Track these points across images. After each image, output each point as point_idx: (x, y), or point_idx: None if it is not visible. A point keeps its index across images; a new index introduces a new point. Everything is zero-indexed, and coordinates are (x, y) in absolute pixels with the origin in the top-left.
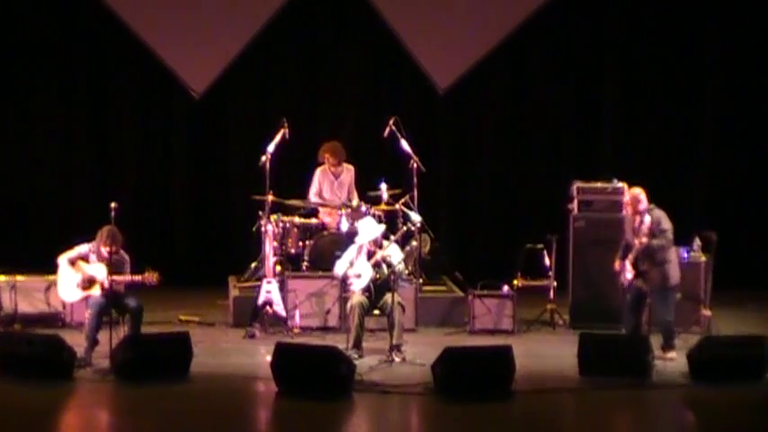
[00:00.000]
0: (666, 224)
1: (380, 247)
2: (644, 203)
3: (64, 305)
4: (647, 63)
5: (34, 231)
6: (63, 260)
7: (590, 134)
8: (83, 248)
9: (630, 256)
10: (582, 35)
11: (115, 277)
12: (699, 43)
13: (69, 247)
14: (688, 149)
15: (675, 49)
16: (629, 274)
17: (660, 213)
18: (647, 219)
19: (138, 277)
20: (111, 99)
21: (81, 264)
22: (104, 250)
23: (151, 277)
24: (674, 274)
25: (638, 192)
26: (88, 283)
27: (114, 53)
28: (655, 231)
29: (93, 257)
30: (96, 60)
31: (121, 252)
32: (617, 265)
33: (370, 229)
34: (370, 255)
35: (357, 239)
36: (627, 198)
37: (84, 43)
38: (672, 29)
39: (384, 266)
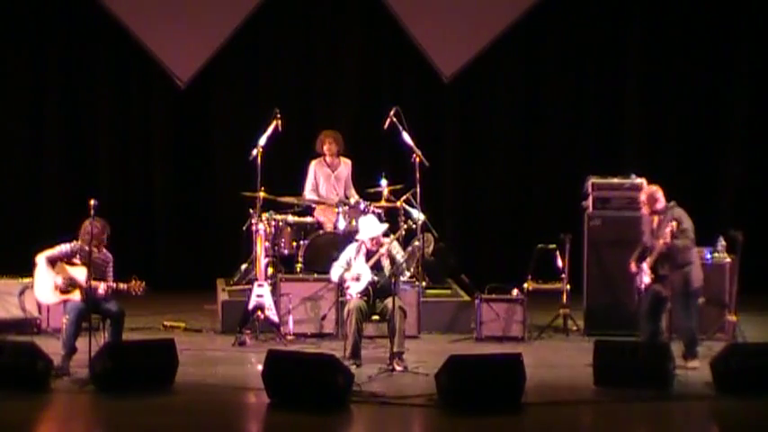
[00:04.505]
0: (687, 223)
1: (381, 247)
2: (661, 202)
3: (40, 310)
4: (673, 49)
5: (3, 230)
6: (42, 259)
7: (610, 126)
8: (64, 248)
9: (650, 259)
10: (602, 18)
11: (98, 283)
12: (729, 32)
13: (46, 246)
14: (716, 143)
15: (704, 35)
16: (646, 277)
17: (681, 212)
18: (674, 222)
19: (123, 285)
20: (87, 87)
21: (63, 266)
22: (89, 240)
23: (137, 287)
24: (697, 276)
25: (655, 189)
26: (69, 286)
27: (89, 36)
28: (675, 232)
29: (75, 258)
30: (70, 44)
31: (104, 251)
32: (632, 266)
33: (371, 226)
34: (369, 255)
35: (357, 236)
36: (642, 197)
37: (57, 25)
38: (700, 14)
39: (386, 266)
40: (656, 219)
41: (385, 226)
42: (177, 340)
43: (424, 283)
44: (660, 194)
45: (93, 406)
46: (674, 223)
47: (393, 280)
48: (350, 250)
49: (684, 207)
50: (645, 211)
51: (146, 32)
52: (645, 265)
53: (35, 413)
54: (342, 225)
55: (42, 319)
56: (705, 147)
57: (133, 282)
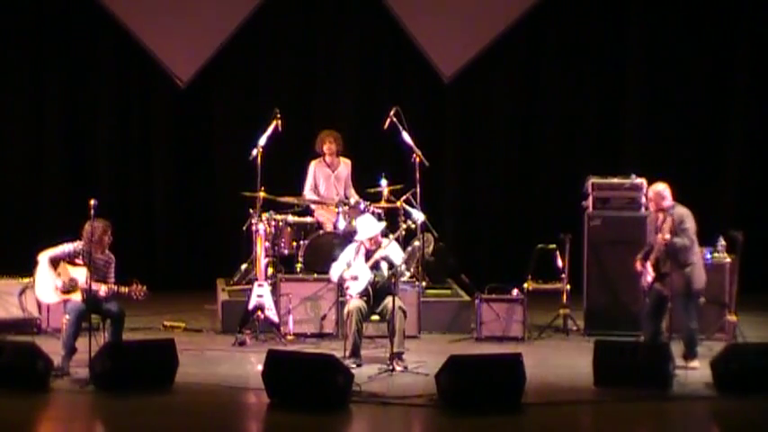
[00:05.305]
0: (689, 223)
1: (379, 246)
2: (668, 200)
3: (40, 310)
4: (673, 49)
5: (3, 230)
6: (44, 258)
7: (610, 126)
8: (67, 248)
9: (652, 256)
10: (602, 18)
11: (99, 285)
12: (729, 32)
13: (47, 246)
14: (716, 143)
15: (704, 35)
16: (649, 276)
17: (684, 211)
18: (670, 216)
19: (124, 289)
20: (86, 87)
21: (66, 265)
22: (96, 250)
23: (138, 291)
24: (699, 277)
25: (663, 187)
26: (70, 286)
27: (89, 36)
28: (677, 230)
29: (78, 259)
30: (70, 44)
31: (107, 252)
32: (638, 265)
33: (368, 226)
34: (369, 255)
35: (356, 237)
36: (650, 194)
37: (57, 24)
38: (700, 14)
39: (384, 268)
40: (661, 216)
41: (383, 225)
42: (177, 340)
43: (424, 283)
44: (667, 192)
45: (93, 406)
46: (670, 219)
47: (393, 280)
48: (349, 251)
49: (685, 206)
50: (651, 208)
51: (146, 32)
52: (648, 264)
53: (35, 413)
54: (342, 225)
55: (42, 319)
56: (705, 147)
57: (134, 285)
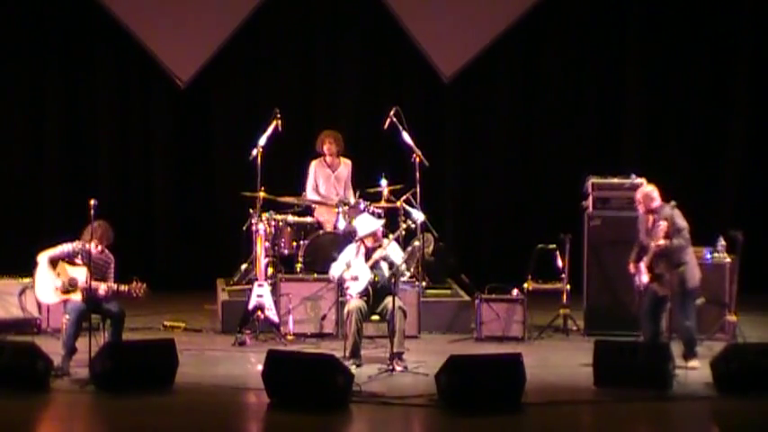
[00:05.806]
0: (682, 223)
1: (380, 244)
2: (657, 201)
3: (40, 310)
4: (673, 49)
5: (3, 230)
6: (43, 258)
7: (610, 126)
8: (66, 247)
9: (646, 259)
10: (602, 18)
11: (99, 284)
12: (729, 31)
13: (47, 246)
14: (717, 143)
15: (704, 35)
16: (644, 277)
17: (676, 212)
18: (663, 222)
19: (124, 287)
20: (87, 87)
21: (65, 265)
22: (94, 247)
23: (138, 289)
24: (693, 276)
25: (651, 189)
26: (70, 286)
27: (89, 36)
28: (672, 231)
29: (77, 259)
30: (70, 44)
31: (106, 251)
32: (631, 267)
33: (367, 224)
34: (369, 255)
35: (357, 236)
36: (639, 196)
37: (57, 25)
38: (700, 14)
39: (384, 267)
40: (651, 218)
41: (382, 221)
42: (177, 340)
43: (424, 283)
44: (656, 194)
45: (93, 406)
46: (664, 223)
47: (393, 280)
48: (349, 250)
49: (684, 206)
50: (641, 210)
51: (146, 32)
52: (642, 265)
53: (35, 413)
54: (342, 225)
55: (42, 319)
56: (705, 146)
57: (134, 284)
